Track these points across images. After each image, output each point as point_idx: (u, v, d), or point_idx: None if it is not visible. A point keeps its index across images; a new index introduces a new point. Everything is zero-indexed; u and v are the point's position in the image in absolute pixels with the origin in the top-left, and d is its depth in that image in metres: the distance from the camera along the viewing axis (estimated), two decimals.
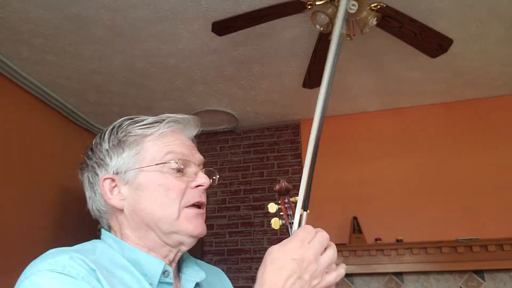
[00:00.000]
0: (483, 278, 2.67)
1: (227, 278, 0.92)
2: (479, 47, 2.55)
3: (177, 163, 0.72)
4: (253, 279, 3.15)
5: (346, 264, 2.84)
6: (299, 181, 3.33)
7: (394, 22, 1.96)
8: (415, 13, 2.11)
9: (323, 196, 3.21)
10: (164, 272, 0.69)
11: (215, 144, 3.72)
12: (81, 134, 3.52)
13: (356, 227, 2.98)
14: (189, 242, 0.73)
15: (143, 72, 2.80)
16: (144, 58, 2.65)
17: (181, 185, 0.72)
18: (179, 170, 0.72)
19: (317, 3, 1.92)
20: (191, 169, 0.75)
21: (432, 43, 2.07)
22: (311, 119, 3.68)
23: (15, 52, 2.53)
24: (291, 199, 0.84)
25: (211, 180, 0.78)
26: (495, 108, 3.13)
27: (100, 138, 0.78)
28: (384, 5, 1.90)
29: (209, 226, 3.52)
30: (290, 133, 3.57)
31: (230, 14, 2.15)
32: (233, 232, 3.36)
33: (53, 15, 2.21)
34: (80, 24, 2.30)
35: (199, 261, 0.88)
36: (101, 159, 0.74)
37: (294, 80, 2.93)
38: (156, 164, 0.72)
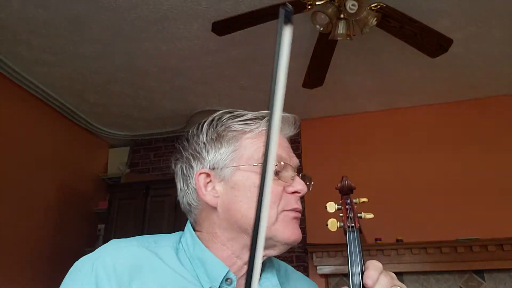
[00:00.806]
0: (483, 278, 2.67)
1: None
2: (479, 47, 2.55)
3: (276, 165, 0.67)
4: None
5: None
6: None
7: (394, 22, 1.96)
8: (415, 13, 2.11)
9: (323, 196, 3.20)
10: (227, 280, 0.64)
11: None
12: (81, 134, 3.52)
13: None
14: (281, 249, 0.68)
15: (143, 72, 2.80)
16: (144, 58, 2.65)
17: (278, 189, 0.67)
18: (276, 173, 0.67)
19: (317, 3, 1.92)
20: (288, 173, 0.69)
21: (432, 43, 2.07)
22: (311, 119, 3.70)
23: (15, 52, 2.53)
24: (355, 200, 0.78)
25: (307, 186, 0.73)
26: (495, 108, 3.13)
27: (198, 129, 0.74)
28: (384, 5, 1.90)
29: None
30: None
31: (230, 14, 2.15)
32: None
33: (53, 15, 2.21)
34: (80, 24, 2.30)
35: (291, 271, 0.83)
36: (198, 152, 0.71)
37: (294, 80, 2.92)
38: (254, 164, 0.67)
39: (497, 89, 3.08)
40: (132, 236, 0.71)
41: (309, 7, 1.92)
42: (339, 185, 0.79)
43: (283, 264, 0.82)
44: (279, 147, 0.70)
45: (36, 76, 2.80)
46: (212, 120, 0.74)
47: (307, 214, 3.22)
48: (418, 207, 2.97)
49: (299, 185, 0.69)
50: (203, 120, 0.75)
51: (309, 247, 2.95)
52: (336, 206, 0.75)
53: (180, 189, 0.73)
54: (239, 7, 2.15)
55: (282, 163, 0.68)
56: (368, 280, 0.59)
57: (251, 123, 0.72)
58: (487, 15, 2.26)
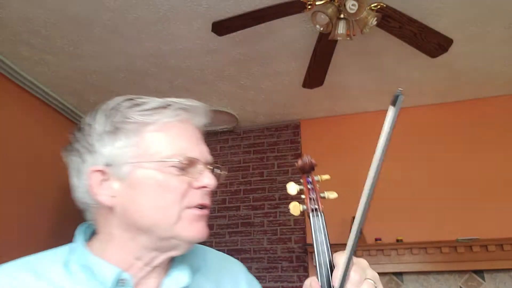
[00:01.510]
0: (483, 278, 2.67)
1: (243, 273, 0.78)
2: (479, 47, 2.55)
3: (181, 161, 0.62)
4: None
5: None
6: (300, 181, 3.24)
7: (394, 22, 1.96)
8: (415, 13, 2.11)
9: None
10: (119, 281, 0.60)
11: (215, 144, 3.72)
12: None
13: None
14: (185, 248, 0.64)
15: (143, 72, 2.80)
16: (144, 58, 2.65)
17: (182, 186, 0.62)
18: (182, 168, 0.62)
19: (317, 3, 1.92)
20: (196, 168, 0.64)
21: (432, 43, 2.07)
22: (311, 119, 3.70)
23: (15, 52, 2.53)
24: (316, 178, 0.70)
25: (217, 179, 0.68)
26: (495, 108, 3.13)
27: (92, 118, 0.66)
28: (384, 5, 1.90)
29: (209, 226, 3.51)
30: (290, 133, 3.57)
31: (230, 14, 2.15)
32: (233, 232, 3.36)
33: (53, 15, 2.21)
34: (80, 24, 2.30)
35: (212, 253, 0.78)
36: (91, 145, 0.63)
37: (294, 80, 2.93)
38: (157, 161, 0.61)
39: (497, 89, 3.08)
40: None
41: (309, 7, 1.92)
42: (299, 162, 0.71)
43: (201, 247, 0.76)
44: (188, 140, 0.65)
45: (36, 76, 2.80)
46: (109, 109, 0.65)
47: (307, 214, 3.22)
48: (418, 207, 2.97)
49: (207, 179, 0.64)
50: (98, 107, 0.67)
51: (309, 247, 2.95)
52: (298, 187, 0.68)
53: (73, 185, 0.66)
54: (239, 7, 2.15)
55: (186, 159, 0.62)
56: (336, 283, 0.54)
57: (154, 113, 0.64)
58: (487, 15, 2.26)
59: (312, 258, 2.91)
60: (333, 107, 3.36)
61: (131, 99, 0.66)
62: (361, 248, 2.82)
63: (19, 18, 2.23)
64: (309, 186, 0.68)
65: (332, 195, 0.69)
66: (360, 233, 0.53)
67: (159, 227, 0.61)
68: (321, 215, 0.65)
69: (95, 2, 2.12)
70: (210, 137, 3.75)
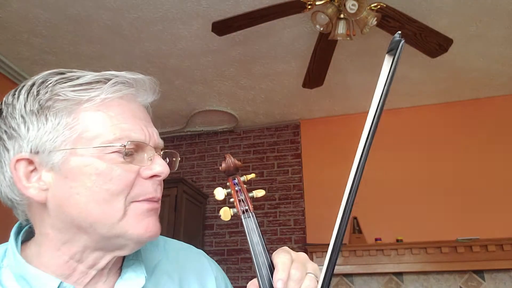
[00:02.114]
0: (483, 278, 2.67)
1: (207, 264, 0.71)
2: (479, 47, 2.55)
3: (125, 146, 0.52)
4: (253, 279, 3.14)
5: (346, 264, 2.85)
6: (300, 181, 3.35)
7: (394, 22, 1.96)
8: (415, 13, 2.11)
9: (323, 196, 3.21)
10: None
11: (215, 144, 3.72)
12: None
13: (356, 227, 2.98)
14: (133, 247, 0.55)
15: (143, 72, 2.78)
16: (144, 58, 2.65)
17: (128, 176, 0.52)
18: (127, 154, 0.52)
19: (317, 3, 1.92)
20: (145, 153, 0.55)
21: (432, 43, 2.07)
22: (311, 119, 3.69)
23: (15, 52, 2.54)
24: (242, 178, 0.66)
25: (170, 165, 0.59)
26: (495, 108, 3.13)
27: (13, 96, 0.54)
28: (384, 5, 1.90)
29: (209, 226, 3.54)
30: (290, 133, 3.57)
31: (230, 14, 2.15)
32: (233, 232, 3.36)
33: (53, 15, 2.21)
34: (80, 24, 2.30)
35: (173, 245, 0.70)
36: (13, 129, 0.52)
37: (294, 80, 2.93)
38: (97, 147, 0.51)
39: (497, 89, 3.08)
40: None
41: (309, 7, 1.92)
42: (223, 165, 0.65)
43: (160, 237, 0.67)
44: (132, 120, 0.55)
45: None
46: (33, 84, 0.53)
47: (307, 214, 3.22)
48: (418, 207, 2.97)
49: (158, 167, 0.54)
50: (22, 84, 0.55)
51: (309, 247, 2.95)
52: (225, 191, 0.64)
53: None
54: (239, 7, 2.15)
55: (131, 143, 0.52)
56: (278, 285, 0.51)
57: (90, 88, 0.53)
58: (487, 15, 2.26)
59: (312, 259, 2.91)
60: (333, 107, 3.36)
61: (62, 73, 0.55)
62: (361, 248, 2.82)
63: (19, 18, 2.23)
64: (236, 188, 0.64)
65: (260, 193, 0.65)
66: (343, 233, 0.51)
67: (102, 224, 0.51)
68: (252, 216, 0.61)
69: (95, 2, 2.12)
70: (210, 137, 3.75)
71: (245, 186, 0.65)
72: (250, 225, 0.60)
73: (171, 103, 3.23)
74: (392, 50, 0.42)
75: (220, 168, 0.66)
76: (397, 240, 2.83)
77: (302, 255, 0.56)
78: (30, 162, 0.52)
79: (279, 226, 3.26)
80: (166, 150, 0.59)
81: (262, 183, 3.46)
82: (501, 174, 2.93)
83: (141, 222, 0.53)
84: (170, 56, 2.62)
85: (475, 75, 2.90)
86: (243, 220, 0.60)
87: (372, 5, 1.90)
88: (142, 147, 0.54)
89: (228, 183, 0.65)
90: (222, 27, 2.05)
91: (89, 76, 0.54)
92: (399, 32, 0.38)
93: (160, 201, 0.57)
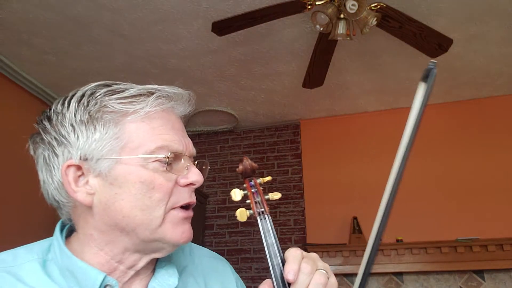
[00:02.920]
0: (483, 278, 2.67)
1: (229, 271, 0.75)
2: (479, 47, 2.55)
3: (167, 156, 0.56)
4: (253, 279, 3.15)
5: (346, 264, 2.85)
6: (300, 181, 3.35)
7: (394, 22, 1.96)
8: (415, 13, 2.11)
9: (323, 196, 3.21)
10: (105, 286, 0.55)
11: (215, 144, 3.73)
12: None
13: (356, 227, 2.98)
14: (169, 250, 0.59)
15: (143, 72, 2.80)
16: (144, 58, 2.65)
17: (168, 184, 0.56)
18: (168, 164, 0.56)
19: (317, 3, 1.92)
20: (181, 163, 0.58)
21: (432, 43, 2.07)
22: (311, 119, 3.69)
23: (15, 52, 2.54)
24: (258, 181, 0.67)
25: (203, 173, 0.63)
26: (495, 108, 3.13)
27: (63, 105, 0.58)
28: (384, 5, 1.90)
29: (209, 226, 3.54)
30: (290, 133, 3.57)
31: (230, 14, 2.15)
32: (233, 232, 3.36)
33: (53, 15, 2.22)
34: (80, 24, 2.30)
35: (200, 251, 0.74)
36: (63, 136, 0.56)
37: (294, 80, 2.93)
38: (141, 156, 0.55)
39: (497, 89, 3.08)
40: None
41: (309, 7, 1.92)
42: (240, 167, 0.67)
43: (188, 244, 0.72)
44: (173, 132, 0.59)
45: (36, 76, 2.81)
46: (83, 96, 0.58)
47: (307, 214, 3.22)
48: (418, 207, 2.98)
49: (195, 176, 0.58)
50: (71, 93, 0.60)
51: (309, 247, 2.95)
52: (242, 193, 0.65)
53: (43, 181, 0.60)
54: (239, 7, 2.15)
55: (172, 154, 0.57)
56: (289, 275, 0.53)
57: (135, 101, 0.57)
58: (487, 15, 2.26)
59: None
60: (333, 107, 3.36)
61: (108, 85, 0.59)
62: (361, 248, 2.82)
63: (19, 19, 2.23)
64: (252, 190, 0.66)
65: (276, 195, 0.67)
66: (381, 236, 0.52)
67: (143, 229, 0.55)
68: (268, 218, 0.62)
69: (95, 2, 2.12)
70: (210, 137, 3.75)
71: (261, 188, 0.67)
72: (266, 226, 0.61)
73: None
74: (426, 78, 0.45)
75: (237, 169, 0.68)
76: (397, 240, 2.83)
77: (314, 254, 0.59)
78: (79, 168, 0.56)
79: (279, 226, 3.26)
80: (199, 160, 0.64)
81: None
82: (501, 174, 2.93)
83: (178, 228, 0.58)
84: (171, 56, 2.62)
85: (475, 75, 2.90)
86: (258, 221, 0.62)
87: (372, 5, 1.90)
88: (179, 157, 0.58)
89: (244, 185, 0.67)
90: (222, 27, 2.05)
91: (134, 89, 0.59)
92: (434, 61, 0.41)
93: (193, 205, 0.61)
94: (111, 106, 0.56)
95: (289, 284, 0.54)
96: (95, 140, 0.55)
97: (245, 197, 0.65)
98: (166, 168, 0.56)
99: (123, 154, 0.55)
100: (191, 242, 0.68)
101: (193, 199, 0.60)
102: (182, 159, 0.59)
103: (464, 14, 2.24)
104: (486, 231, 2.72)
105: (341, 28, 1.93)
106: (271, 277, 0.57)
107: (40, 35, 2.38)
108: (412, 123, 0.45)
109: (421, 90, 0.45)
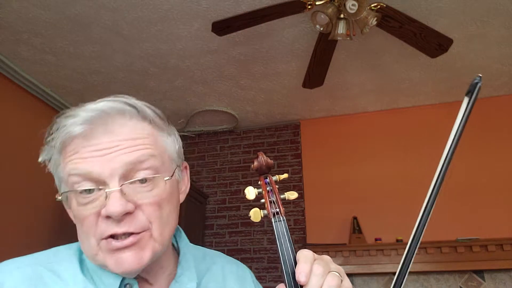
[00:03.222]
0: (483, 278, 2.67)
1: (249, 278, 0.76)
2: (479, 47, 2.55)
3: (84, 190, 0.55)
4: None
5: (346, 264, 2.85)
6: (300, 181, 3.35)
7: (394, 22, 1.96)
8: (415, 13, 2.11)
9: (323, 196, 3.21)
10: (125, 285, 0.59)
11: (215, 144, 3.72)
12: None
13: (356, 227, 2.98)
14: (127, 275, 0.58)
15: (143, 72, 2.80)
16: (144, 58, 2.65)
17: (90, 217, 0.55)
18: (90, 193, 0.55)
19: (317, 3, 1.92)
20: (102, 192, 0.54)
21: (432, 43, 2.07)
22: (311, 119, 3.69)
23: (15, 52, 2.53)
24: (274, 178, 0.65)
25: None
26: (495, 108, 3.13)
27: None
28: (384, 5, 1.90)
29: (209, 226, 3.54)
30: (290, 133, 3.57)
31: (230, 14, 2.15)
32: (233, 232, 3.36)
33: (53, 15, 2.21)
34: (80, 24, 2.30)
35: (221, 258, 0.76)
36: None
37: (294, 80, 2.93)
38: (63, 193, 0.58)
39: (497, 89, 3.08)
40: None
41: (309, 7, 1.92)
42: (255, 163, 0.64)
43: (209, 250, 0.76)
44: (84, 158, 0.55)
45: (36, 76, 2.80)
46: (50, 131, 0.60)
47: (307, 214, 3.22)
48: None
49: (110, 208, 0.53)
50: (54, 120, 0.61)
51: (309, 247, 2.95)
52: (256, 191, 0.62)
53: None
54: (239, 7, 2.15)
55: (89, 182, 0.55)
56: (301, 277, 0.51)
57: (56, 135, 0.58)
58: (487, 15, 2.26)
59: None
60: (333, 107, 3.36)
61: (57, 117, 0.59)
62: (361, 248, 2.82)
63: (19, 18, 2.23)
64: (268, 189, 0.62)
65: (292, 195, 0.63)
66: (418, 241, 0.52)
67: (88, 256, 0.59)
68: (283, 219, 0.59)
69: (95, 2, 2.12)
70: (210, 137, 3.75)
71: (277, 186, 0.63)
72: (280, 229, 0.58)
73: (171, 103, 3.24)
74: (469, 92, 0.46)
75: (252, 166, 0.65)
76: (397, 240, 2.83)
77: (326, 256, 0.57)
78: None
79: None
80: (134, 180, 0.56)
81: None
82: (501, 174, 2.93)
83: (112, 258, 0.55)
84: (170, 56, 2.62)
85: (475, 75, 2.89)
86: (273, 223, 0.59)
87: (372, 5, 1.90)
88: (102, 183, 0.54)
89: (259, 182, 0.64)
90: (222, 27, 2.05)
91: (61, 121, 0.57)
92: (480, 75, 0.43)
93: (137, 235, 0.55)
94: (50, 142, 0.61)
95: (301, 287, 0.52)
96: (57, 177, 0.61)
97: (259, 196, 0.62)
98: (84, 201, 0.55)
99: (61, 190, 0.60)
100: (205, 246, 0.68)
101: (121, 228, 0.54)
102: (106, 184, 0.54)
103: (464, 14, 2.24)
104: (486, 231, 2.72)
105: (341, 28, 1.93)
106: (284, 282, 0.55)
107: (40, 35, 2.38)
108: (454, 134, 0.47)
109: (464, 104, 0.47)
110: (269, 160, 0.64)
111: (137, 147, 0.56)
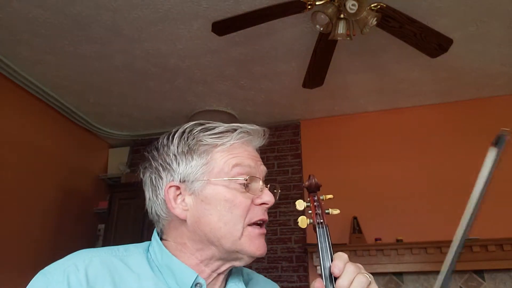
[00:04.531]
0: (483, 278, 2.67)
1: None
2: (479, 47, 2.55)
3: (246, 179, 0.70)
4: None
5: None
6: (300, 181, 3.36)
7: (394, 22, 1.96)
8: (415, 13, 2.11)
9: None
10: (196, 285, 0.67)
11: None
12: (81, 134, 3.52)
13: (356, 227, 2.98)
14: (247, 261, 0.71)
15: (143, 72, 2.80)
16: (144, 58, 2.65)
17: (246, 202, 0.69)
18: (246, 186, 0.70)
19: (317, 3, 1.92)
20: (256, 184, 0.71)
21: (432, 43, 2.07)
22: (311, 119, 3.69)
23: (15, 52, 2.54)
24: (321, 197, 0.81)
25: (274, 194, 0.75)
26: (495, 108, 3.13)
27: (168, 140, 0.74)
28: (384, 5, 1.90)
29: None
30: (290, 133, 3.57)
31: (230, 14, 2.15)
32: None
33: (53, 15, 2.21)
34: (80, 24, 2.30)
35: (254, 274, 0.85)
36: (168, 163, 0.72)
37: (294, 80, 2.93)
38: (225, 179, 0.69)
39: (497, 89, 3.08)
40: (131, 237, 0.71)
41: (309, 7, 1.92)
42: (306, 183, 0.81)
43: (245, 269, 0.84)
44: (249, 158, 0.72)
45: (36, 76, 2.80)
46: (183, 132, 0.73)
47: None
48: (418, 207, 2.97)
49: (267, 197, 0.71)
50: (174, 130, 0.75)
51: (309, 247, 2.95)
52: (305, 204, 0.77)
53: (149, 198, 0.74)
54: (239, 7, 2.15)
55: (249, 177, 0.70)
56: (335, 269, 0.63)
57: (222, 136, 0.71)
58: (487, 15, 2.26)
59: (312, 258, 2.91)
60: (333, 107, 3.36)
61: (203, 124, 0.74)
62: (361, 248, 2.82)
63: (19, 18, 2.23)
64: (315, 204, 0.78)
65: (335, 211, 0.78)
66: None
67: (226, 240, 0.67)
68: (325, 227, 0.74)
69: (95, 2, 2.12)
70: None
71: (323, 203, 0.79)
72: (323, 234, 0.73)
73: (171, 103, 3.23)
74: (496, 143, 0.50)
75: (304, 184, 0.82)
76: (397, 240, 2.83)
77: (359, 265, 0.67)
78: (178, 188, 0.70)
79: (279, 226, 3.26)
80: (271, 184, 0.76)
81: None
82: (501, 174, 2.92)
83: (254, 242, 0.69)
84: (170, 56, 2.62)
85: (475, 75, 2.89)
86: (317, 229, 0.73)
87: (372, 5, 1.90)
88: (255, 180, 0.71)
89: (309, 198, 0.80)
90: (222, 27, 2.05)
91: (221, 127, 0.73)
92: (507, 129, 0.45)
93: (266, 223, 0.72)
94: (205, 140, 0.71)
95: (335, 280, 0.63)
96: (192, 166, 0.70)
97: (307, 208, 0.77)
98: (245, 189, 0.69)
99: (211, 177, 0.69)
100: (247, 269, 0.83)
101: (266, 216, 0.72)
102: (257, 181, 0.72)
103: (464, 14, 2.24)
104: (486, 231, 2.72)
105: (341, 28, 1.93)
106: (321, 277, 0.66)
107: (40, 35, 2.38)
108: (481, 185, 0.49)
109: (491, 155, 0.49)
110: (318, 182, 0.82)
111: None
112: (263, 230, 0.71)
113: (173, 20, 2.28)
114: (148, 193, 0.74)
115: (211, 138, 0.71)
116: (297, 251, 3.16)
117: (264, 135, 0.77)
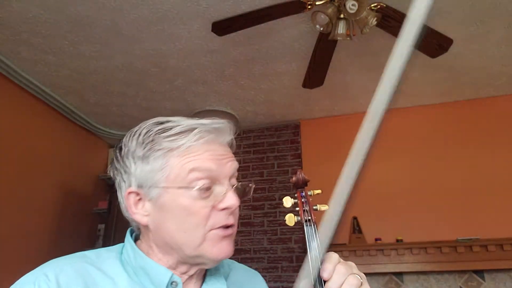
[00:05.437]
0: (483, 278, 2.67)
1: (263, 283, 0.86)
2: (479, 47, 2.55)
3: (204, 185, 0.65)
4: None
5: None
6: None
7: (394, 22, 1.96)
8: None
9: (322, 196, 3.21)
10: (172, 283, 0.66)
11: None
12: (81, 134, 3.52)
13: (356, 227, 2.98)
14: (212, 265, 0.69)
15: (143, 72, 2.80)
16: (144, 58, 2.65)
17: (205, 209, 0.65)
18: (206, 190, 0.65)
19: (317, 3, 1.92)
20: (218, 188, 0.67)
21: (432, 43, 2.07)
22: (311, 119, 3.70)
23: (15, 52, 2.53)
24: (309, 193, 0.77)
25: (244, 194, 0.72)
26: (495, 108, 3.13)
27: (128, 140, 0.70)
28: (384, 5, 1.90)
29: None
30: (290, 133, 3.57)
31: (230, 14, 2.15)
32: None
33: (53, 15, 2.21)
34: (80, 24, 2.30)
35: (234, 264, 0.84)
36: (127, 166, 0.68)
37: (294, 80, 2.93)
38: (179, 187, 0.65)
39: (497, 89, 3.08)
40: None
41: (309, 7, 1.92)
42: (293, 178, 0.77)
43: (225, 260, 0.81)
44: (210, 159, 0.66)
45: (36, 76, 2.80)
46: (140, 134, 0.69)
47: None
48: (418, 207, 2.97)
49: (231, 200, 0.66)
50: (133, 130, 0.71)
51: None
52: (292, 201, 0.74)
53: (119, 200, 0.71)
54: (239, 7, 2.15)
55: (206, 182, 0.65)
56: (323, 273, 0.60)
57: (178, 138, 0.66)
58: (487, 15, 2.26)
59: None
60: (333, 107, 3.36)
61: (161, 123, 0.69)
62: (361, 248, 2.82)
63: (19, 18, 2.23)
64: (303, 200, 0.74)
65: (323, 207, 0.72)
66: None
67: (186, 247, 0.65)
68: (313, 225, 0.70)
69: (95, 2, 2.12)
70: None
71: (310, 199, 0.76)
72: (311, 232, 0.70)
73: (171, 103, 3.23)
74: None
75: (290, 180, 0.77)
76: (397, 240, 2.83)
77: (351, 262, 0.64)
78: (137, 194, 0.67)
79: (279, 226, 3.26)
80: (243, 181, 0.72)
81: (262, 183, 3.46)
82: (501, 174, 2.93)
83: (216, 246, 0.65)
84: (170, 56, 2.62)
85: (475, 75, 2.89)
86: (304, 227, 0.70)
87: (372, 5, 1.90)
88: (216, 183, 0.66)
89: (296, 195, 0.76)
90: (222, 27, 2.05)
91: (179, 126, 0.67)
92: None
93: (234, 227, 0.68)
94: (160, 144, 0.66)
95: (325, 283, 0.59)
96: (147, 172, 0.66)
97: (294, 205, 0.74)
98: (205, 194, 0.65)
99: (168, 184, 0.65)
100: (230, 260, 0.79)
101: (229, 221, 0.67)
102: (221, 183, 0.67)
103: (464, 14, 2.24)
104: (486, 231, 2.72)
105: (341, 28, 1.93)
106: (310, 278, 0.62)
107: (40, 35, 2.38)
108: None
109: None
110: (306, 177, 0.78)
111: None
112: (229, 232, 0.67)
113: (173, 20, 2.28)
114: (119, 194, 0.71)
115: (167, 141, 0.66)
116: (297, 251, 3.16)
117: (230, 130, 0.72)
